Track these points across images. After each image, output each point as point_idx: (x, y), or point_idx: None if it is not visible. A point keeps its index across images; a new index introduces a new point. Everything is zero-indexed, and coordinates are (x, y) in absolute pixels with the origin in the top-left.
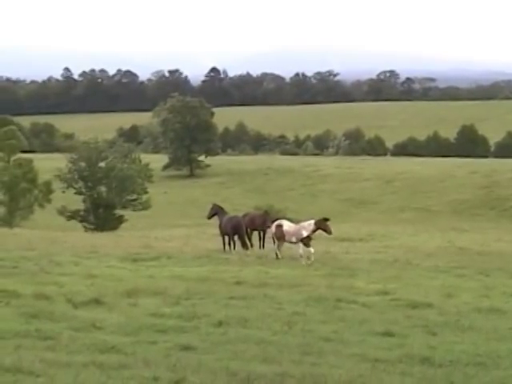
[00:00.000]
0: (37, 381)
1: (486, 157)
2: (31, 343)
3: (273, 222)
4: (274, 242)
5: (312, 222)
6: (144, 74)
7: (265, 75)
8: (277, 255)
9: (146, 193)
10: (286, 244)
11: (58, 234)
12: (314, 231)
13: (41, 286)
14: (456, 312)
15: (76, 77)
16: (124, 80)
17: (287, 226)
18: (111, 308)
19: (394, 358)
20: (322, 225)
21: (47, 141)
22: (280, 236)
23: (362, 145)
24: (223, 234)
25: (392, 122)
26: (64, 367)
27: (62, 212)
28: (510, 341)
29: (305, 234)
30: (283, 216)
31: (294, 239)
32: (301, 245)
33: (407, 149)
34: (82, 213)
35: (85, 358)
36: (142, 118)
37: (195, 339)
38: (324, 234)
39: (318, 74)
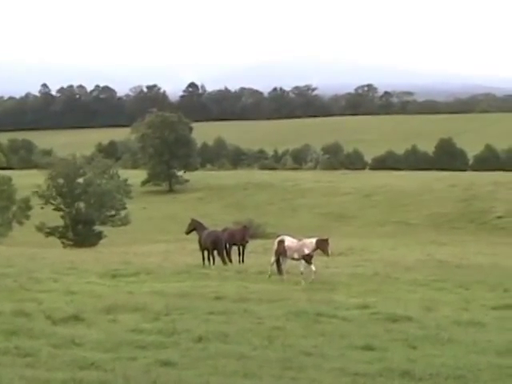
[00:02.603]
0: None
1: (464, 170)
2: (10, 360)
3: (276, 237)
4: (276, 259)
5: (314, 240)
6: (122, 89)
7: (243, 90)
8: (281, 272)
9: (125, 208)
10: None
11: (36, 251)
12: (314, 250)
13: (20, 303)
14: (436, 325)
15: (54, 93)
16: (102, 96)
17: (289, 241)
18: (90, 324)
19: (374, 371)
20: (322, 245)
21: (25, 157)
22: (282, 252)
23: (340, 159)
24: (203, 248)
25: (370, 135)
26: None
27: (40, 228)
28: (489, 354)
29: (306, 251)
30: (262, 231)
31: (296, 255)
32: (302, 262)
33: (386, 162)
34: (60, 229)
35: (64, 375)
36: (121, 134)
37: (175, 355)
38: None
39: (297, 88)
